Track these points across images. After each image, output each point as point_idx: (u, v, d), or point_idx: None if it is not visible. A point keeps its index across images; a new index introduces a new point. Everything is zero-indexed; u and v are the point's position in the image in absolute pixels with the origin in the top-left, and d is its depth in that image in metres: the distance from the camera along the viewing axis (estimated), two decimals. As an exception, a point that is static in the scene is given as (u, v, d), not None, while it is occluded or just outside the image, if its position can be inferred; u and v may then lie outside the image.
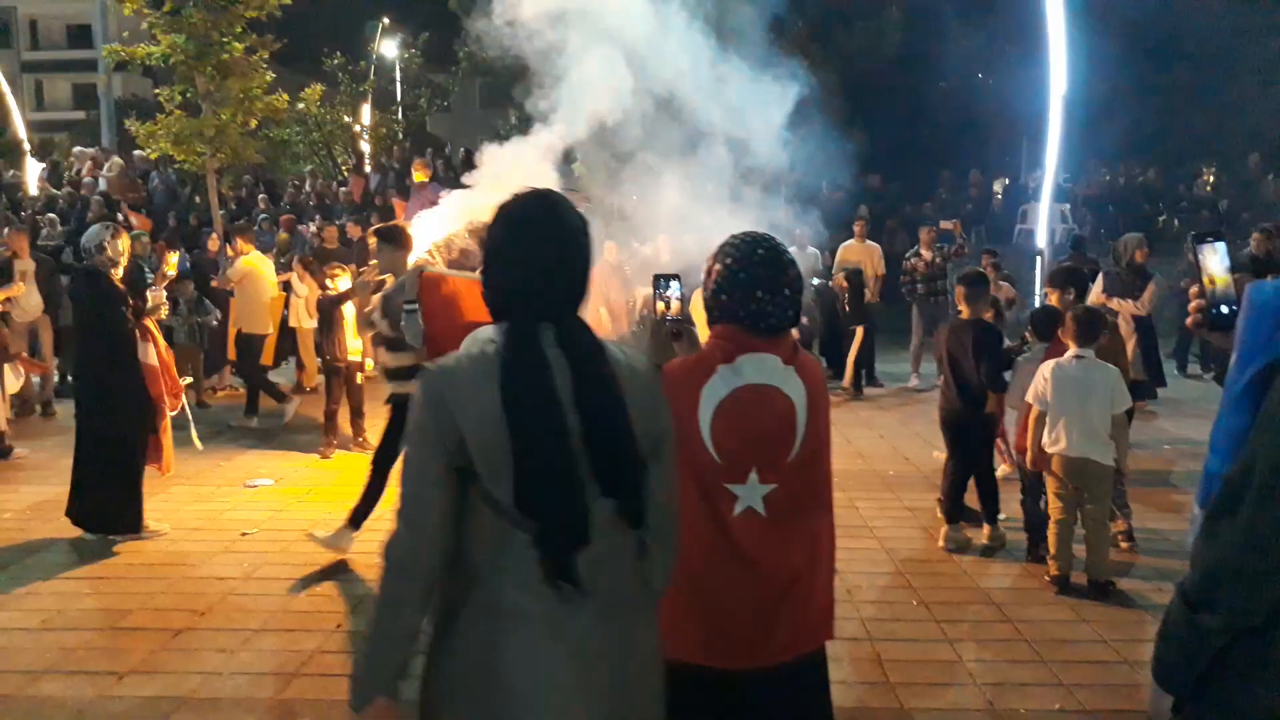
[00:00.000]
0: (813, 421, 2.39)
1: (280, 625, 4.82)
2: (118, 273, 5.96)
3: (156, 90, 13.69)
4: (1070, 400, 5.25)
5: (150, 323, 6.12)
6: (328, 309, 8.09)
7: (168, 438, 6.25)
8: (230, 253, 11.26)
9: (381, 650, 1.83)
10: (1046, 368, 5.38)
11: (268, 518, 6.59)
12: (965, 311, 6.13)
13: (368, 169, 20.60)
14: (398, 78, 26.03)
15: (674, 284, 2.92)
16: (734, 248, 2.43)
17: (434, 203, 10.44)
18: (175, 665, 4.38)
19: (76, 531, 6.10)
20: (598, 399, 1.83)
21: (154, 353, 6.10)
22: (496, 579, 1.81)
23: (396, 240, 5.81)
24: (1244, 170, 18.88)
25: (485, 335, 1.90)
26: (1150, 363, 9.01)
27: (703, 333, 2.60)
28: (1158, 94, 17.70)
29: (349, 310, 8.11)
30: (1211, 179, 19.11)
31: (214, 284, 11.16)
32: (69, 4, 44.29)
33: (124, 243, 6.01)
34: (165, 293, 6.83)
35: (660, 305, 2.91)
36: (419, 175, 13.47)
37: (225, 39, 13.18)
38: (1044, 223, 16.92)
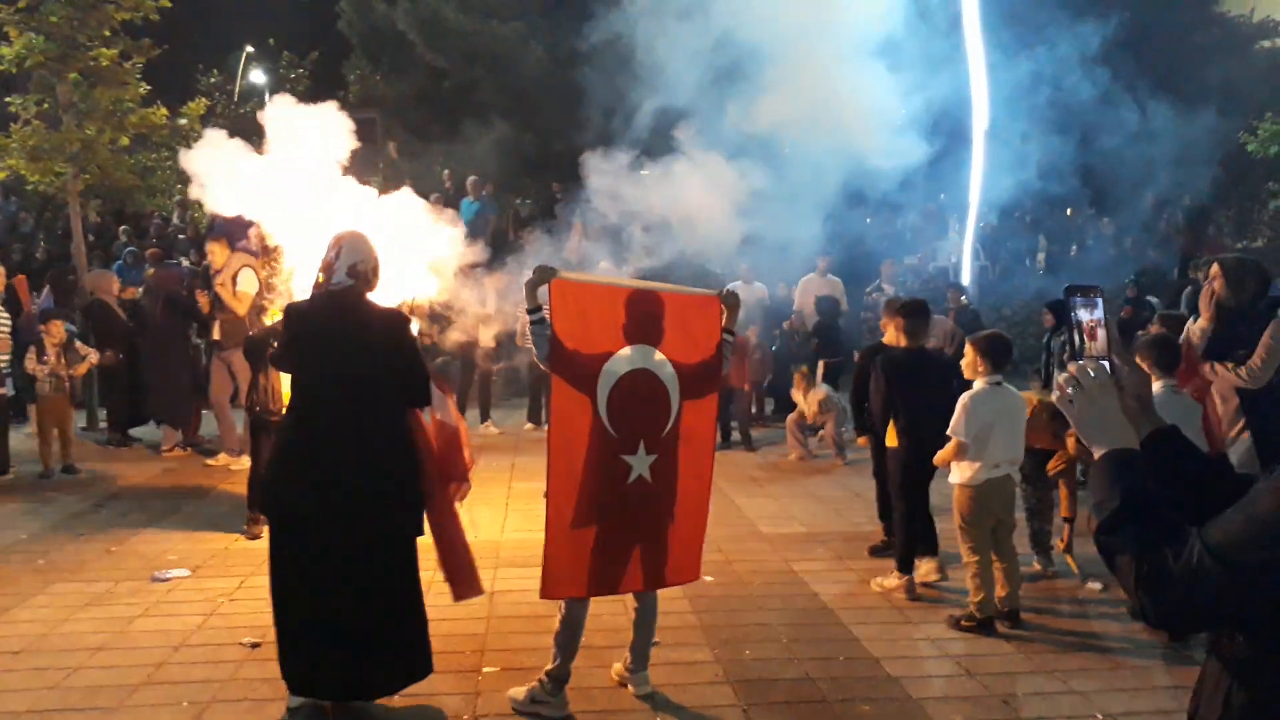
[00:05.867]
0: None
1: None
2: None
3: (9, 99, 11.66)
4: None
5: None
6: (258, 350, 6.50)
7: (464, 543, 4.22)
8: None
9: None
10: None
11: (197, 625, 4.98)
12: (904, 340, 5.71)
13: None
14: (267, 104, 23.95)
15: (1098, 303, 1.80)
16: None
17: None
18: None
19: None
20: None
21: (455, 410, 4.29)
22: None
23: None
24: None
25: None
26: None
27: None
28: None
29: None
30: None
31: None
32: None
33: None
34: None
35: (1084, 338, 1.77)
36: None
37: (92, 42, 11.37)
38: (968, 258, 16.82)
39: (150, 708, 4.04)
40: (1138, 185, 17.51)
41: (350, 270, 3.89)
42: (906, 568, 5.57)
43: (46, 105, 11.51)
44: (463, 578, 4.09)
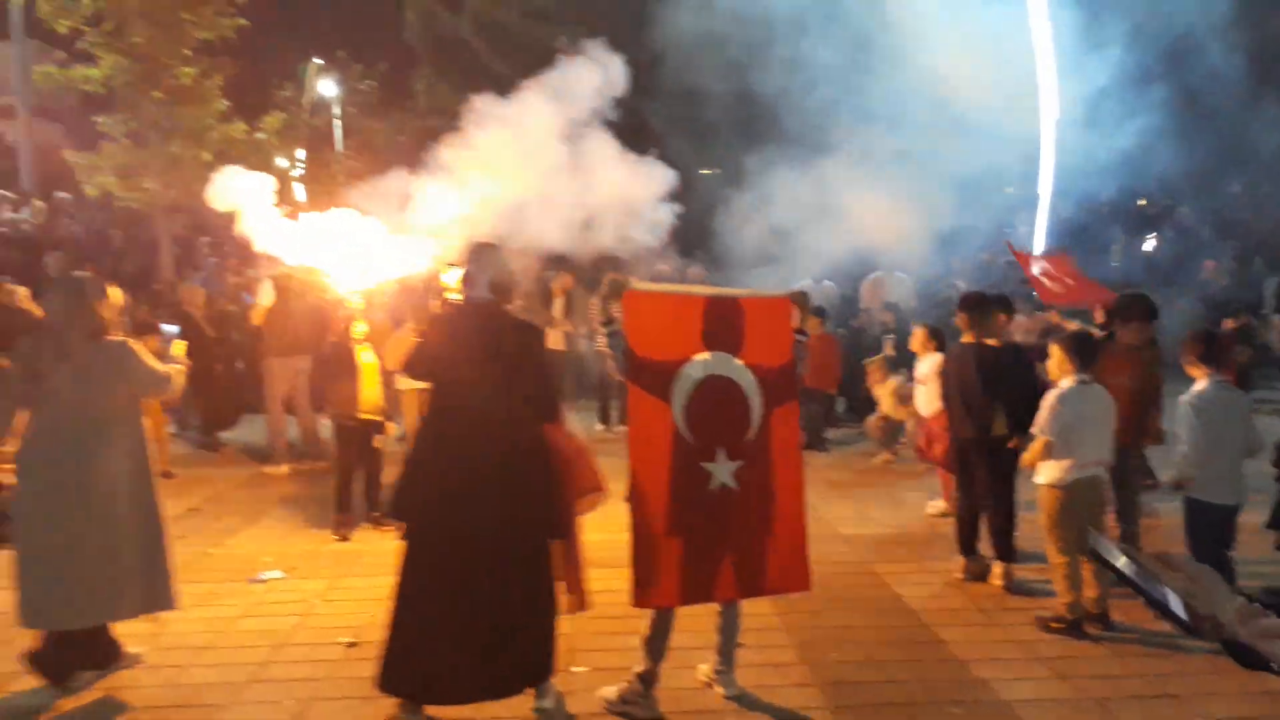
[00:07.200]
0: None
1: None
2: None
3: (96, 119, 12.17)
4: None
5: None
6: (339, 358, 6.73)
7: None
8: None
9: None
10: None
11: (293, 626, 5.17)
12: (968, 336, 5.77)
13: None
14: (336, 120, 24.58)
15: None
16: None
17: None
18: None
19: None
20: None
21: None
22: None
23: None
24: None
25: None
26: None
27: None
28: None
29: (367, 355, 6.80)
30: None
31: None
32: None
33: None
34: None
35: None
36: None
37: (174, 61, 11.80)
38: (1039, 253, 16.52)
39: (257, 704, 4.22)
40: (1214, 173, 16.98)
41: (491, 285, 4.03)
42: (964, 550, 5.84)
43: (133, 124, 11.97)
44: (577, 591, 4.17)
